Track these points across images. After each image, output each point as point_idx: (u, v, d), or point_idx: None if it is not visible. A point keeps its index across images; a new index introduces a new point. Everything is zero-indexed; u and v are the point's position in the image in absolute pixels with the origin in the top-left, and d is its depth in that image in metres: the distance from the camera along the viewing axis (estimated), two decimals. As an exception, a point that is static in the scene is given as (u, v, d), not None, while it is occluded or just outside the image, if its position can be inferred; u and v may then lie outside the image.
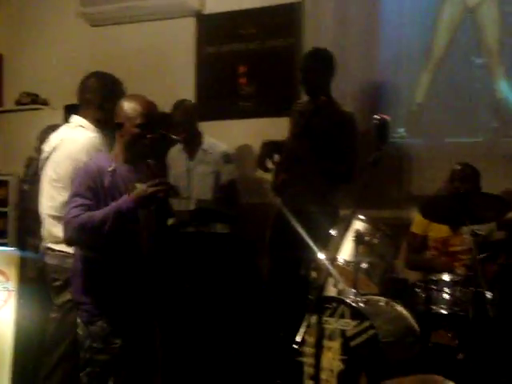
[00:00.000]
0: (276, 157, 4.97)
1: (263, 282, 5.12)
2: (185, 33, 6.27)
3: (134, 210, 3.20)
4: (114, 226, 3.15)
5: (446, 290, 4.24)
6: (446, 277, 4.31)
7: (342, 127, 4.83)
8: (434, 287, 4.26)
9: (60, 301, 3.85)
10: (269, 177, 5.11)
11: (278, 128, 5.34)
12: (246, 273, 5.18)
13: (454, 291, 4.22)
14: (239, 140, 5.91)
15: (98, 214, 3.18)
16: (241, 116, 6.06)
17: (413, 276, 4.84)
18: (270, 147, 4.98)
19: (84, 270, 3.32)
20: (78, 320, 3.38)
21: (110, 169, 3.29)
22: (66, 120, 5.96)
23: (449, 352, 4.07)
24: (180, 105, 5.45)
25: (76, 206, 3.18)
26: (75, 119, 4.09)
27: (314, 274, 4.36)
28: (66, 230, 3.21)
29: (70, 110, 5.97)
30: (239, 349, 5.03)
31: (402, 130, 5.49)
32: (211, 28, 6.21)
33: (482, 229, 4.36)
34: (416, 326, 4.07)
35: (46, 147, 4.06)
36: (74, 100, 6.02)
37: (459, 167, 4.80)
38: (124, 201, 3.20)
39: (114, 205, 3.20)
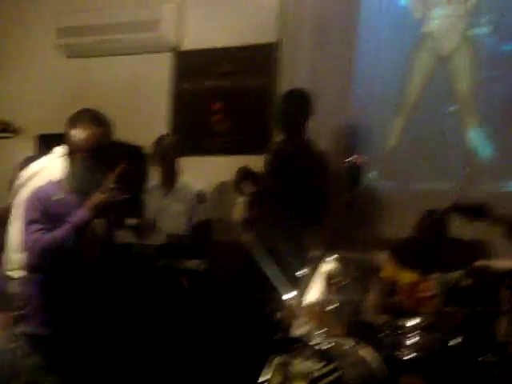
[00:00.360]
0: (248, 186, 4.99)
1: (231, 320, 5.08)
2: (161, 68, 6.28)
3: (92, 219, 3.16)
4: (75, 240, 3.12)
5: (411, 335, 4.24)
6: (411, 321, 4.31)
7: (315, 168, 4.85)
8: (400, 331, 4.26)
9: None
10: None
11: (252, 165, 5.33)
12: (214, 310, 5.14)
13: (420, 336, 4.22)
14: (213, 176, 5.90)
15: (58, 233, 3.13)
16: (215, 152, 6.07)
17: (380, 319, 4.83)
18: (246, 172, 5.00)
19: (26, 297, 3.27)
20: (18, 353, 3.29)
21: (55, 197, 3.23)
22: (39, 149, 5.97)
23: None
24: (161, 140, 5.44)
25: (33, 232, 3.14)
26: (57, 150, 4.05)
27: (279, 315, 4.34)
28: (30, 255, 3.16)
29: (43, 140, 5.99)
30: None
31: (374, 172, 5.51)
32: (187, 64, 6.24)
33: (450, 275, 4.39)
34: (382, 369, 4.05)
35: (24, 174, 4.03)
36: (47, 129, 6.05)
37: (429, 213, 4.83)
38: (79, 214, 3.16)
39: (70, 220, 3.15)
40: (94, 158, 3.24)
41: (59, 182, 3.33)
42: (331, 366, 3.82)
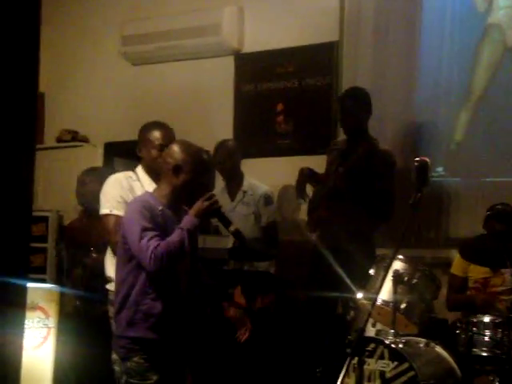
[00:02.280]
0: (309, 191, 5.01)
1: (301, 320, 5.10)
2: (223, 71, 6.33)
3: (199, 224, 3.35)
4: (189, 245, 3.29)
5: (487, 331, 4.19)
6: (486, 318, 4.26)
7: (381, 166, 4.83)
8: (475, 329, 4.21)
9: None
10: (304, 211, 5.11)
11: (315, 165, 5.33)
12: (285, 310, 5.16)
13: (495, 333, 4.17)
14: (276, 177, 5.92)
15: (173, 238, 3.28)
16: (278, 154, 6.10)
17: (453, 317, 4.79)
18: (308, 174, 5.01)
19: (129, 302, 3.35)
20: (115, 356, 3.39)
21: (160, 208, 3.36)
22: (106, 157, 6.10)
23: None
24: (222, 145, 5.47)
25: (150, 239, 3.26)
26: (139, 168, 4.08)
27: (351, 314, 4.34)
28: (152, 261, 3.24)
29: (110, 148, 6.11)
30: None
31: (440, 169, 5.46)
32: (249, 67, 6.28)
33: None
34: (457, 368, 4.02)
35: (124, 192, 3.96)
36: (113, 138, 6.17)
37: (498, 207, 4.75)
38: (188, 220, 3.33)
39: (181, 226, 3.31)
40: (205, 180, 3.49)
41: (155, 195, 3.44)
42: (405, 366, 3.82)
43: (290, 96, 6.11)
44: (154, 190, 3.51)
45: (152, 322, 3.32)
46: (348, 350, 3.52)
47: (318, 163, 5.35)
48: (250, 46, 6.28)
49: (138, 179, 3.93)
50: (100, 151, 6.34)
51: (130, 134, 6.04)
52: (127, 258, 3.36)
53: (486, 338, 4.18)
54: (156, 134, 3.92)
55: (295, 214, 5.57)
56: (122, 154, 5.74)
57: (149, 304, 3.32)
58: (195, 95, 6.38)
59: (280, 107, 6.14)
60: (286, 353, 4.96)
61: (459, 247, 4.52)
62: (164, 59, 6.49)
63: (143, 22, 6.52)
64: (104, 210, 3.89)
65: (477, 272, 4.78)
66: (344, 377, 3.07)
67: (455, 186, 5.45)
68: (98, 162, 6.11)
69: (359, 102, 4.93)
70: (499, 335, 4.15)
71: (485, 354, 4.17)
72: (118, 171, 4.86)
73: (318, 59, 5.97)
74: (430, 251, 5.28)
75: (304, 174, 5.01)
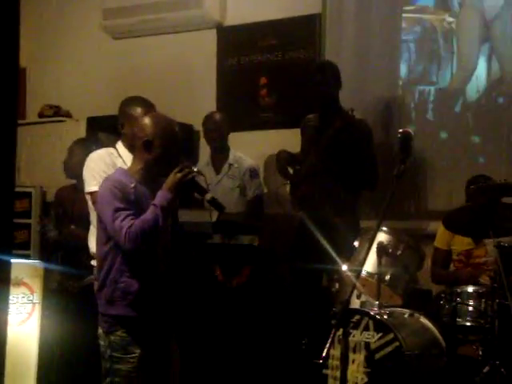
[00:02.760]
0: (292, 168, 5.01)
1: (286, 292, 5.13)
2: (206, 45, 6.29)
3: (174, 199, 3.32)
4: (164, 221, 3.27)
5: (471, 301, 4.23)
6: (470, 288, 4.29)
7: (358, 136, 4.84)
8: (459, 299, 4.25)
9: None
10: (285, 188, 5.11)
11: (298, 139, 5.34)
12: (269, 283, 5.19)
13: (479, 303, 4.21)
14: (260, 150, 5.91)
15: (147, 216, 3.27)
16: (261, 127, 6.08)
17: (437, 288, 4.82)
18: (287, 157, 5.01)
19: (108, 281, 3.36)
20: (100, 331, 3.42)
21: (132, 185, 3.34)
22: (89, 132, 6.05)
23: (474, 365, 4.05)
24: (210, 117, 5.48)
25: (124, 219, 3.25)
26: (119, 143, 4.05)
27: (336, 286, 4.37)
28: (127, 240, 3.25)
29: (93, 122, 6.07)
30: (262, 359, 5.04)
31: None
32: (232, 40, 6.24)
33: (505, 240, 4.35)
34: (441, 338, 4.06)
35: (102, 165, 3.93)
36: (96, 112, 6.13)
37: (480, 179, 4.78)
38: (161, 195, 3.30)
39: (154, 203, 3.28)
40: (176, 152, 3.42)
41: (128, 172, 3.43)
42: (390, 336, 3.85)
43: (272, 69, 6.08)
44: (129, 167, 3.51)
45: (130, 299, 3.33)
46: (333, 322, 3.53)
47: (300, 137, 5.35)
48: (233, 18, 6.23)
49: (120, 155, 3.91)
50: (83, 126, 6.28)
51: (113, 109, 5.96)
52: (105, 237, 3.37)
53: (470, 308, 4.21)
54: (138, 110, 3.88)
55: (281, 187, 5.56)
56: (105, 129, 5.69)
57: (126, 282, 3.33)
58: (178, 69, 6.34)
59: (263, 81, 6.12)
60: (271, 325, 4.99)
61: (443, 218, 4.53)
62: (146, 33, 6.44)
63: (124, -6, 6.47)
64: (91, 188, 3.84)
65: (460, 244, 4.81)
66: (329, 348, 3.09)
67: (432, 160, 5.46)
68: (81, 136, 6.05)
69: (328, 76, 4.92)
70: (483, 305, 4.19)
71: (468, 324, 4.21)
72: (102, 145, 4.89)
73: (301, 32, 5.94)
74: (411, 223, 5.31)
75: (282, 158, 5.01)
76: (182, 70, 6.36)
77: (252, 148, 5.80)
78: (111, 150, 3.96)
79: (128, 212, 3.27)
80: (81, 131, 6.15)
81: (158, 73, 6.33)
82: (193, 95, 6.25)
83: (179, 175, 3.31)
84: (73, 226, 5.23)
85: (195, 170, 3.43)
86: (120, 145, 3.96)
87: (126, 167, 3.64)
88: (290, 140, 5.50)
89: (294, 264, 5.01)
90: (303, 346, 4.23)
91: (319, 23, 5.84)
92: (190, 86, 6.32)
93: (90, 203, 3.91)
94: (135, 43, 6.55)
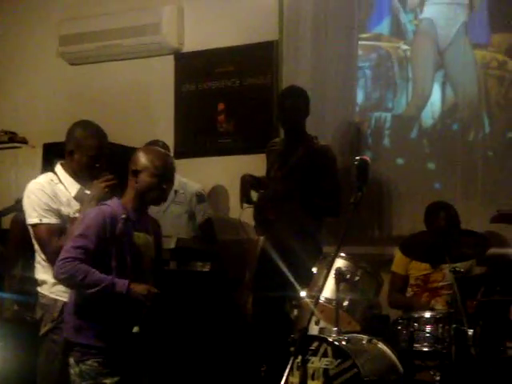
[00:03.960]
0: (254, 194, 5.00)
1: (246, 319, 5.11)
2: (164, 71, 6.29)
3: (125, 296, 3.29)
4: (99, 294, 3.26)
5: (428, 327, 4.26)
6: (427, 314, 4.32)
7: (322, 162, 4.86)
8: (416, 324, 4.27)
9: None
10: (247, 213, 5.09)
11: (257, 165, 5.36)
12: (228, 309, 5.17)
13: (436, 328, 4.24)
14: (219, 177, 5.92)
15: (93, 275, 3.25)
16: (220, 153, 6.08)
17: (395, 313, 4.85)
18: (251, 180, 5.01)
19: (77, 308, 3.35)
20: (71, 360, 3.39)
21: (123, 216, 3.38)
22: (45, 158, 5.98)
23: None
24: (152, 145, 5.43)
25: (77, 248, 3.24)
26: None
27: (295, 312, 4.37)
28: (58, 269, 3.25)
29: (49, 149, 6.00)
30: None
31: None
32: (189, 66, 6.24)
33: (461, 265, 4.40)
34: (399, 364, 4.07)
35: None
36: (52, 138, 6.07)
37: (436, 204, 4.84)
38: (122, 284, 3.29)
39: (110, 279, 3.28)
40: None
41: (119, 201, 3.48)
42: (348, 363, 3.85)
43: (230, 95, 6.10)
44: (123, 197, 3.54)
45: (99, 329, 3.33)
46: (291, 349, 3.53)
47: (259, 162, 5.37)
48: (190, 45, 6.24)
49: (60, 181, 3.82)
50: (39, 152, 6.22)
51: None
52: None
53: (427, 334, 4.24)
54: (94, 142, 3.82)
55: (243, 211, 5.54)
56: (62, 155, 5.64)
57: (97, 311, 3.33)
58: (136, 95, 6.33)
59: (221, 106, 6.13)
60: (231, 352, 4.97)
61: (400, 244, 4.57)
62: (103, 59, 6.42)
63: (81, 21, 6.44)
64: (33, 220, 3.73)
65: (417, 269, 4.85)
66: (288, 375, 3.08)
67: (390, 186, 5.51)
68: (38, 163, 5.98)
69: (298, 101, 4.95)
70: (440, 330, 4.21)
71: (426, 349, 4.23)
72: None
73: (258, 58, 5.97)
74: (373, 248, 5.34)
75: (246, 181, 5.01)
76: (140, 96, 6.35)
77: (210, 174, 5.81)
78: (50, 175, 3.85)
79: (86, 249, 3.27)
80: (37, 158, 6.08)
81: (116, 99, 6.31)
82: (150, 121, 6.24)
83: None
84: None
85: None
86: (59, 168, 3.87)
87: (67, 193, 3.71)
88: (249, 165, 5.52)
89: (256, 290, 5.01)
90: (262, 373, 4.22)
91: (276, 50, 5.88)
92: (147, 112, 6.31)
93: (32, 234, 3.80)
94: (92, 69, 6.51)
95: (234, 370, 4.96)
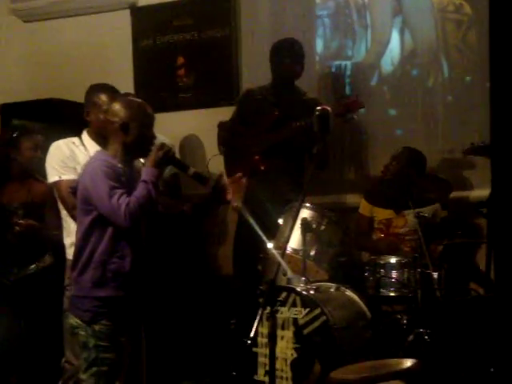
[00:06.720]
0: None
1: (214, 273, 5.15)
2: (120, 26, 6.18)
3: (160, 174, 3.38)
4: (155, 195, 3.31)
5: (394, 272, 4.32)
6: (392, 259, 4.38)
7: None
8: (382, 270, 4.34)
9: None
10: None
11: (218, 118, 5.34)
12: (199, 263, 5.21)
13: (402, 273, 4.31)
14: (179, 132, 5.88)
15: (141, 193, 3.29)
16: (180, 108, 6.03)
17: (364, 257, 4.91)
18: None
19: (99, 264, 3.34)
20: (78, 321, 3.36)
21: (119, 165, 3.37)
22: (3, 119, 5.88)
23: (399, 334, 4.14)
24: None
25: (120, 197, 3.26)
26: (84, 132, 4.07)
27: (260, 266, 4.40)
28: (127, 218, 3.25)
29: (7, 110, 5.90)
30: (192, 340, 5.05)
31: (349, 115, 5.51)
32: (146, 20, 6.15)
33: (426, 210, 4.45)
34: (367, 309, 4.13)
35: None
36: (10, 99, 5.97)
37: (399, 150, 4.86)
38: (148, 172, 3.34)
39: (144, 179, 3.32)
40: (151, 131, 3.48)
41: (108, 154, 3.42)
42: (317, 311, 3.89)
43: (189, 49, 6.03)
44: (104, 151, 3.48)
45: (120, 280, 3.34)
46: (260, 300, 3.56)
47: (220, 115, 5.35)
48: (146, -2, 6.15)
49: (82, 144, 3.94)
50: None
51: (27, 94, 5.89)
52: (88, 220, 3.34)
53: (393, 279, 4.31)
54: (104, 98, 3.91)
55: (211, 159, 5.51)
56: (20, 115, 5.55)
57: (117, 263, 3.33)
58: (93, 51, 6.20)
59: (180, 61, 6.06)
60: (200, 307, 5.01)
61: (364, 193, 4.61)
62: (57, 15, 6.28)
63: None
64: (53, 178, 3.90)
65: (381, 213, 4.88)
66: (257, 327, 3.11)
67: (357, 133, 5.52)
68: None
69: (300, 54, 5.03)
70: (406, 275, 4.29)
71: (392, 295, 4.31)
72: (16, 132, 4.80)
73: (216, 10, 5.89)
74: (337, 197, 5.37)
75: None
76: (97, 52, 6.22)
77: (171, 129, 5.76)
78: (73, 139, 3.98)
79: (122, 190, 3.29)
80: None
81: (73, 56, 6.19)
82: (109, 77, 6.05)
83: (161, 152, 3.36)
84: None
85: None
86: (85, 133, 3.99)
87: (87, 155, 3.73)
88: (207, 120, 5.49)
89: (237, 249, 5.03)
90: (232, 326, 4.25)
91: (234, 1, 5.81)
92: (106, 68, 6.19)
93: (59, 193, 3.92)
94: (47, 26, 6.37)
95: (205, 324, 5.01)
